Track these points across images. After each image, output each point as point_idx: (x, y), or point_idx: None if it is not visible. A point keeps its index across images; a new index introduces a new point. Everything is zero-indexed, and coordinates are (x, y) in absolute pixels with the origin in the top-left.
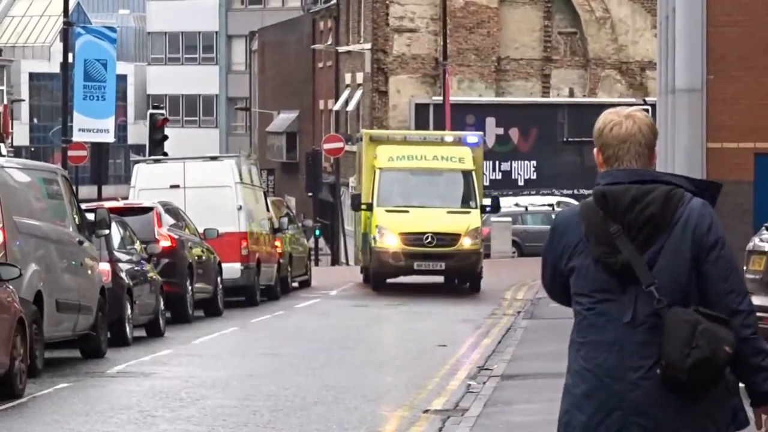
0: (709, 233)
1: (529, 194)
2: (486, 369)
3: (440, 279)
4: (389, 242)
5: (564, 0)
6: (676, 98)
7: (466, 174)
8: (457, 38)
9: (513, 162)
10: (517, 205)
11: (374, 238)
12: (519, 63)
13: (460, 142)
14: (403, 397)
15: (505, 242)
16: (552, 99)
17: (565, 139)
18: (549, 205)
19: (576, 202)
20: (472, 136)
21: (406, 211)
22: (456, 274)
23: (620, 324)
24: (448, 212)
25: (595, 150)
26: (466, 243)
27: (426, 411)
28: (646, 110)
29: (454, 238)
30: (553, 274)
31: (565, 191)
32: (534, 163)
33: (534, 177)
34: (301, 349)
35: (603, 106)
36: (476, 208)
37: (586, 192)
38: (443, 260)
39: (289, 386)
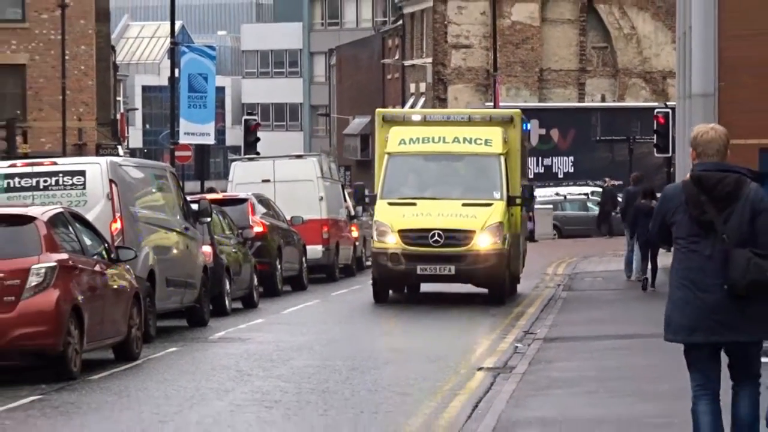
0: (761, 203)
1: (568, 185)
2: (531, 333)
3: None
4: (387, 241)
5: (596, 19)
6: (692, 102)
7: (493, 158)
8: (506, 53)
9: (554, 158)
10: (557, 194)
11: (372, 237)
12: (558, 73)
13: (491, 121)
14: (460, 358)
15: (547, 226)
16: (586, 104)
17: (597, 138)
18: (584, 194)
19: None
20: (505, 115)
21: (413, 204)
22: (470, 280)
23: (703, 256)
24: (464, 204)
25: (690, 149)
26: (482, 242)
27: (480, 369)
28: (667, 113)
29: (467, 235)
30: (662, 224)
31: (598, 182)
32: (572, 158)
33: (572, 170)
34: (374, 318)
35: (630, 110)
36: (501, 199)
37: (615, 183)
38: (452, 263)
39: (364, 349)
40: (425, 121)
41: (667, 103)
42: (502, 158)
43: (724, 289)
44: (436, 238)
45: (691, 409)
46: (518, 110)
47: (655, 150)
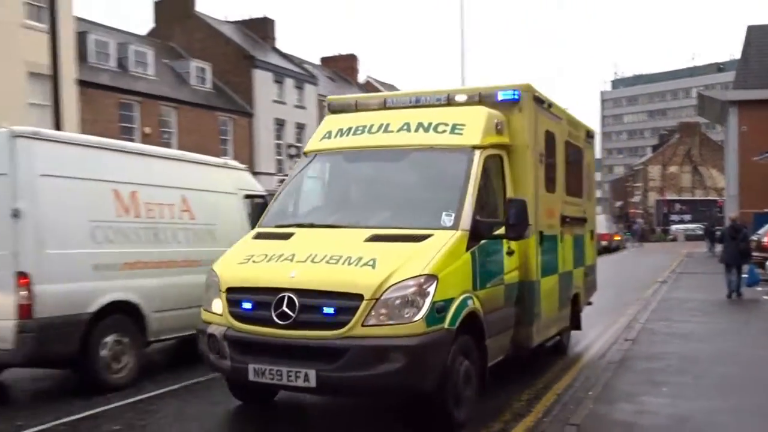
0: None
1: None
2: (673, 271)
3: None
4: (212, 308)
5: None
6: None
7: (458, 154)
8: None
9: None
10: None
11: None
12: None
13: (479, 100)
14: (649, 279)
15: None
16: None
17: None
18: None
19: None
20: (506, 91)
21: (287, 237)
22: (351, 395)
23: None
24: (370, 238)
25: None
26: (376, 318)
27: (656, 281)
28: None
29: (346, 305)
30: None
31: None
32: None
33: None
34: None
35: None
36: (455, 227)
37: None
38: (312, 363)
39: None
40: (385, 106)
41: None
42: (478, 154)
43: None
44: (283, 308)
45: None
46: (530, 84)
47: None
